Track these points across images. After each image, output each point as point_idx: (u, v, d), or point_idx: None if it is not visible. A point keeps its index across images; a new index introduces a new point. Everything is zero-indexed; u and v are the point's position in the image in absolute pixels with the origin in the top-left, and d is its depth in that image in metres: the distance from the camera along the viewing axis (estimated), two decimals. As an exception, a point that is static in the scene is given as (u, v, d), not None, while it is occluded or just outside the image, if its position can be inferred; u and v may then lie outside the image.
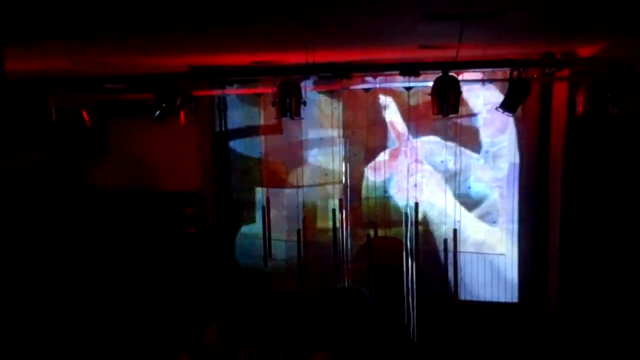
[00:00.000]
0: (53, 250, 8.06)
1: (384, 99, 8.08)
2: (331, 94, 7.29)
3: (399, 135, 8.13)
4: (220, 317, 7.60)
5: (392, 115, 8.13)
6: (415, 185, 7.78)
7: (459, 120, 7.39)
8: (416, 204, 6.80)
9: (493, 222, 8.01)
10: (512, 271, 7.95)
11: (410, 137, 7.85)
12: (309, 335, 7.20)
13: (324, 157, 8.36)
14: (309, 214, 8.22)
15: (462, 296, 7.71)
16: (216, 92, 7.56)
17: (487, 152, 7.88)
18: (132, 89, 6.62)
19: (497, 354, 7.59)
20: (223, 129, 8.79)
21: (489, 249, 8.01)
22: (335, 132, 7.87)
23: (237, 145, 8.82)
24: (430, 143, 8.00)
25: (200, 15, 3.64)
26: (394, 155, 8.21)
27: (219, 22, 3.91)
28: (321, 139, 8.33)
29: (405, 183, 7.54)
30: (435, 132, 7.95)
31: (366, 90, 6.89)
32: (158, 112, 5.99)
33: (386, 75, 6.74)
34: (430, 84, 5.38)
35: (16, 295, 7.42)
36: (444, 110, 5.29)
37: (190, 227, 8.58)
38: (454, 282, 6.63)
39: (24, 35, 4.19)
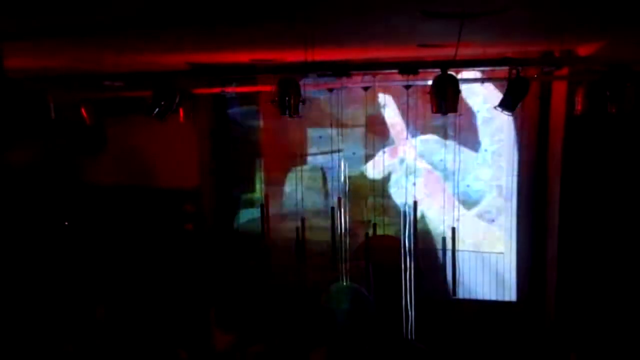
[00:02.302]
0: (51, 246, 8.06)
1: (382, 98, 8.08)
2: (330, 92, 7.29)
3: (397, 133, 8.13)
4: (216, 312, 7.64)
5: (391, 113, 8.13)
6: (414, 183, 7.77)
7: (457, 119, 7.38)
8: (415, 203, 6.80)
9: (491, 221, 8.02)
10: (510, 270, 7.96)
11: (409, 135, 7.85)
12: (308, 333, 7.22)
13: (323, 155, 8.36)
14: (307, 212, 8.22)
15: (460, 295, 7.71)
16: (215, 90, 7.55)
17: (485, 150, 7.88)
18: (131, 86, 6.63)
19: (495, 353, 7.60)
20: (222, 126, 8.79)
21: (487, 247, 8.02)
22: (334, 131, 7.86)
23: (236, 142, 8.82)
24: (429, 142, 8.00)
25: (200, 13, 3.64)
26: (392, 154, 8.21)
27: (219, 20, 3.91)
28: (320, 137, 8.34)
29: (404, 181, 7.54)
30: (434, 131, 7.95)
31: (365, 88, 6.89)
32: (157, 110, 6.00)
33: (385, 73, 6.74)
34: (429, 82, 5.38)
35: (15, 289, 7.43)
36: (442, 109, 5.30)
37: (188, 224, 8.58)
38: (452, 281, 6.63)
39: (24, 33, 4.19)
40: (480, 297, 8.04)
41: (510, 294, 8.00)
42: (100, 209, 8.59)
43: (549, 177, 7.46)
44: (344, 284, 6.98)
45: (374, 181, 8.19)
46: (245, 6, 3.44)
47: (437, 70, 5.34)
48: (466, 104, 7.62)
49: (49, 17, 3.63)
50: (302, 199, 7.92)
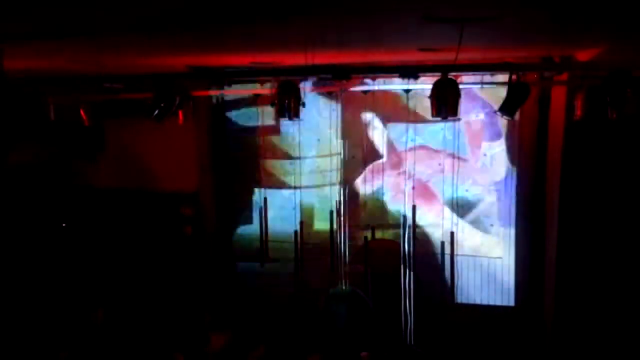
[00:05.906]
0: (48, 248, 8.04)
1: (382, 102, 8.07)
2: (330, 95, 7.29)
3: (397, 137, 8.13)
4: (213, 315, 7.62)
5: (391, 117, 8.13)
6: (413, 187, 7.78)
7: (457, 123, 7.38)
8: (413, 207, 6.80)
9: (490, 226, 8.01)
10: (508, 275, 7.95)
11: (409, 139, 7.84)
12: (305, 337, 7.21)
13: (322, 158, 8.35)
14: (306, 215, 8.21)
15: (459, 299, 7.70)
16: (215, 93, 7.56)
17: (484, 155, 7.88)
18: (131, 88, 6.62)
19: (493, 358, 7.59)
20: (221, 129, 8.79)
21: (485, 252, 8.01)
22: (334, 134, 7.87)
23: (235, 145, 8.81)
24: (428, 146, 7.99)
25: (199, 15, 3.64)
26: (391, 158, 8.21)
27: (219, 22, 3.90)
28: (319, 140, 8.33)
29: (403, 185, 7.54)
30: (433, 135, 7.94)
31: (365, 92, 6.89)
32: (157, 112, 5.99)
33: (385, 77, 6.75)
34: (430, 86, 5.38)
35: (11, 293, 7.41)
36: (442, 113, 5.30)
37: (187, 227, 8.56)
38: (450, 285, 6.64)
39: (23, 35, 4.18)
40: (478, 301, 8.03)
41: (508, 299, 7.99)
42: (98, 212, 8.57)
43: (548, 182, 7.45)
44: (343, 287, 6.96)
45: (373, 185, 8.18)
46: (246, 9, 3.44)
47: (438, 75, 5.35)
48: (466, 108, 7.62)
49: (50, 18, 3.63)
50: (301, 202, 7.92)
